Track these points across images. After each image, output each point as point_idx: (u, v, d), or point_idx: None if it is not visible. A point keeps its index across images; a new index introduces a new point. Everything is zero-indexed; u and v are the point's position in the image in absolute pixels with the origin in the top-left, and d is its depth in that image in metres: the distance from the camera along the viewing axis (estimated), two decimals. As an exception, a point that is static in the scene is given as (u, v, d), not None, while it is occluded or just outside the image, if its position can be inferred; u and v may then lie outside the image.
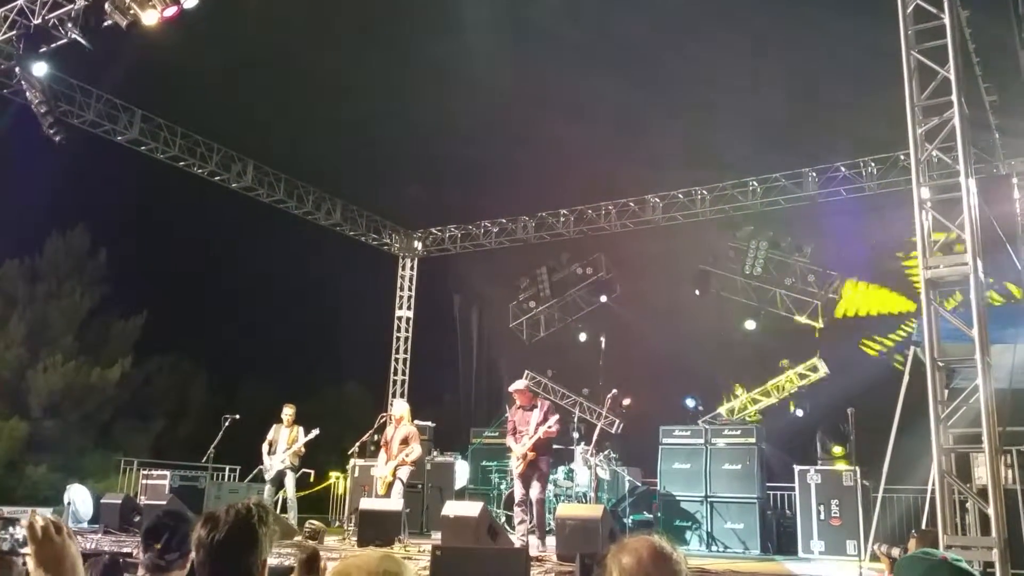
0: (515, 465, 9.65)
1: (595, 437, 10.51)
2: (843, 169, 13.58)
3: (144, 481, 12.73)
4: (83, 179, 17.19)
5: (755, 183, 14.37)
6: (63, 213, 19.31)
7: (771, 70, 10.86)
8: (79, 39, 9.81)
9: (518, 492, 9.61)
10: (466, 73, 11.47)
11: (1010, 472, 7.22)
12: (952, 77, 6.63)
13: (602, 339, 13.36)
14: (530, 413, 9.55)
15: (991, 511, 6.01)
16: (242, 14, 10.14)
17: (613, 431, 10.43)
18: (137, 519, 10.85)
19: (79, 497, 12.15)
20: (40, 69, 10.89)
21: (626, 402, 11.87)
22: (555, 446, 12.78)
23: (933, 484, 6.44)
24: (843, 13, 9.09)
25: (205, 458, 11.87)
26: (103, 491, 13.26)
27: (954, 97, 6.61)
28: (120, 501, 11.17)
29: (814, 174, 13.85)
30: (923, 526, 8.55)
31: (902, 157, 12.47)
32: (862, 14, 8.77)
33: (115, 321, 20.16)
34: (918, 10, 6.89)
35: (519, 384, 10.02)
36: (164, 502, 10.85)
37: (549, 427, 9.31)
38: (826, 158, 13.61)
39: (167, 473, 12.56)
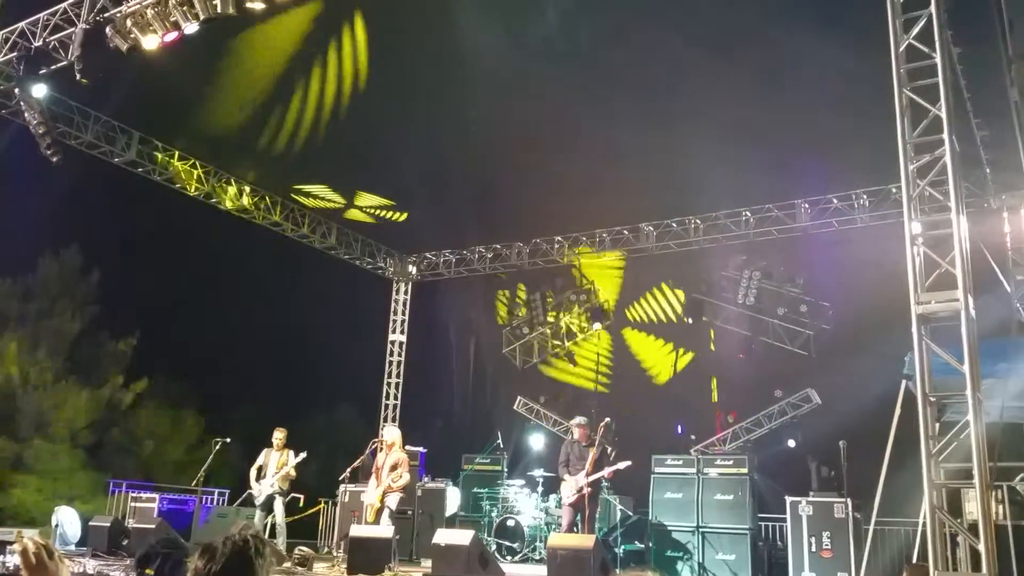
0: (568, 495, 10.42)
1: (589, 466, 10.49)
2: (835, 201, 13.71)
3: (133, 504, 12.65)
4: (78, 199, 17.21)
5: (748, 213, 14.49)
6: (57, 233, 19.30)
7: (766, 102, 10.97)
8: (77, 75, 9.85)
9: (567, 519, 10.45)
10: (464, 100, 11.58)
11: (1001, 508, 7.23)
12: (943, 115, 6.72)
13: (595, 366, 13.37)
14: (587, 449, 10.41)
15: (982, 547, 6.02)
16: (241, 39, 10.22)
17: (610, 460, 10.47)
18: (125, 542, 10.78)
19: (67, 519, 12.05)
20: (39, 91, 10.94)
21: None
22: (547, 474, 12.89)
23: (924, 518, 6.45)
24: (837, 48, 9.21)
25: (195, 481, 11.81)
26: (91, 513, 13.16)
27: (945, 135, 6.70)
28: (109, 524, 11.08)
29: (806, 205, 13.98)
30: (914, 560, 8.57)
31: (893, 190, 12.61)
32: (856, 49, 8.90)
33: (106, 342, 20.06)
34: (910, 49, 7.00)
35: (581, 420, 10.85)
36: (153, 525, 10.78)
37: (614, 469, 10.34)
38: (818, 189, 13.74)
39: (156, 496, 12.49)
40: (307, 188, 15.16)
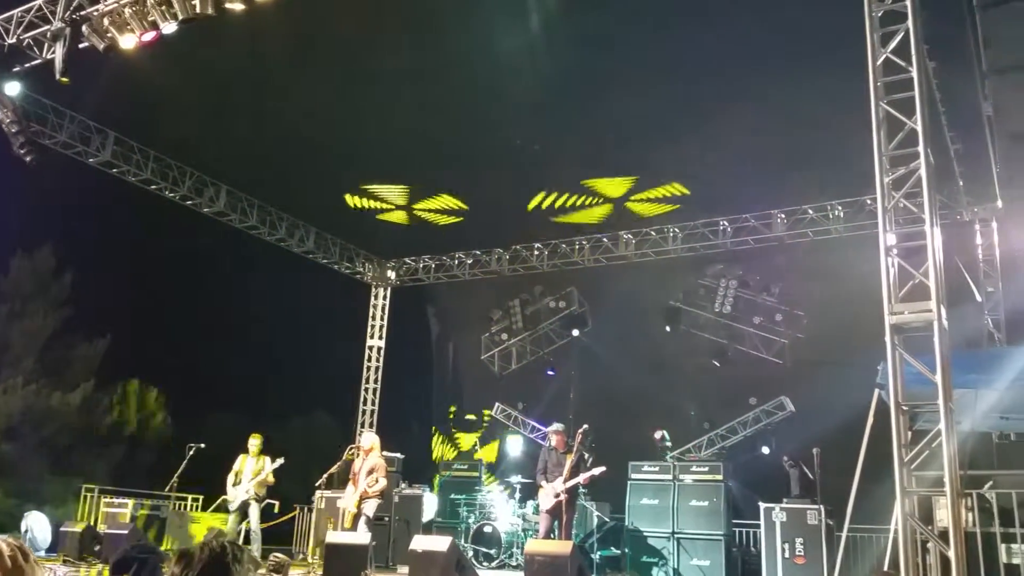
0: (545, 502, 10.38)
1: (566, 472, 10.51)
2: (811, 212, 13.87)
3: (105, 509, 12.48)
4: (52, 200, 16.97)
5: (725, 223, 14.62)
6: (30, 233, 19.01)
7: (744, 114, 11.08)
8: (58, 75, 9.72)
9: (544, 526, 10.38)
10: (443, 105, 11.60)
11: (970, 515, 7.33)
12: (919, 129, 6.81)
13: (573, 373, 13.41)
14: (564, 456, 10.41)
15: (952, 553, 6.10)
16: (219, 40, 10.15)
17: (587, 466, 10.51)
18: (98, 548, 10.64)
19: (37, 524, 11.87)
20: (13, 89, 10.80)
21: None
22: (525, 480, 12.91)
23: (896, 525, 6.53)
24: (815, 62, 9.33)
25: (168, 487, 11.69)
26: (62, 518, 12.97)
27: (920, 148, 6.79)
28: (80, 530, 10.93)
29: (782, 216, 14.13)
30: (884, 567, 8.65)
31: (868, 202, 12.77)
32: (833, 63, 9.01)
33: (78, 344, 19.80)
34: (887, 63, 7.10)
35: (559, 427, 10.86)
36: (125, 531, 10.66)
37: (590, 475, 10.38)
38: (794, 200, 13.89)
39: (128, 502, 12.33)
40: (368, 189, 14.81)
